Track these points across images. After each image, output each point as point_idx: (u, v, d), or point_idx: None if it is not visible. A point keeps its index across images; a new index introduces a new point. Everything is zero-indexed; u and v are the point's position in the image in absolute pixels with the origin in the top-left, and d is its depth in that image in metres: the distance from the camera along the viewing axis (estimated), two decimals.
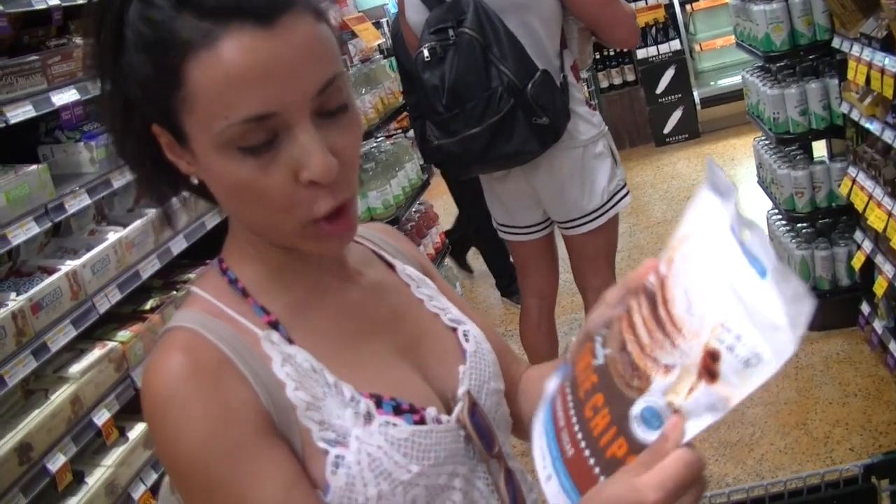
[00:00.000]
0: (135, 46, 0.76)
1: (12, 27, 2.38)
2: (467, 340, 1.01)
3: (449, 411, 0.92)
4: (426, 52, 2.36)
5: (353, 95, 0.84)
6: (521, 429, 1.06)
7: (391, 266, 1.06)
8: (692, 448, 0.64)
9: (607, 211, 2.63)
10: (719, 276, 0.66)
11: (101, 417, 2.29)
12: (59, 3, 2.32)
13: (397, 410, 0.86)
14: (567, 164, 2.54)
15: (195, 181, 0.86)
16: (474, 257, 5.46)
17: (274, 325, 0.87)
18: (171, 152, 0.83)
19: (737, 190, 0.68)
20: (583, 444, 0.72)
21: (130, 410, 2.40)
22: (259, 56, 0.73)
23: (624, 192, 2.67)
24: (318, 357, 0.86)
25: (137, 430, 2.46)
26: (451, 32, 2.33)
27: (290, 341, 0.87)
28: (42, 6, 2.27)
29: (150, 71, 0.76)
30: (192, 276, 2.87)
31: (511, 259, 3.65)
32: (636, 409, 0.67)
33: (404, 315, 1.00)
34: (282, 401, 0.82)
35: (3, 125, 2.11)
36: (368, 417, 0.84)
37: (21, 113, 2.16)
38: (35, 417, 2.11)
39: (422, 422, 0.87)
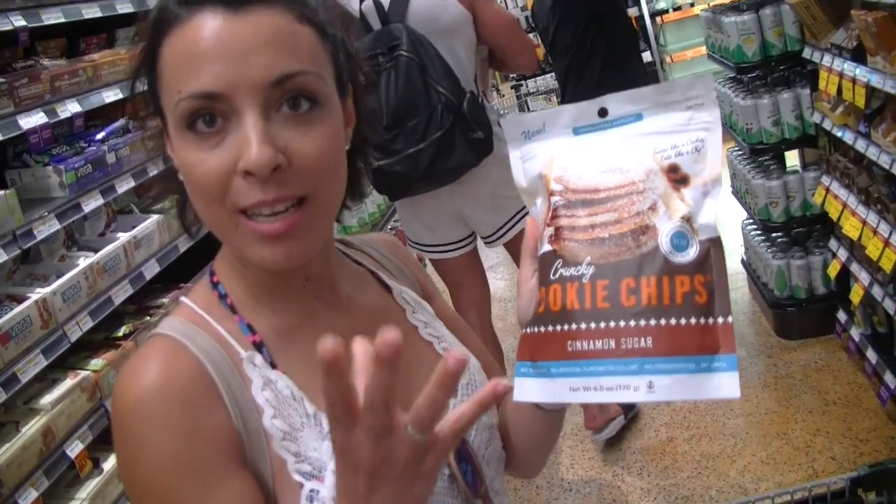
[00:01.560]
0: (141, 33, 0.83)
1: None
2: None
3: None
4: (361, 78, 2.48)
5: (336, 106, 0.83)
6: (513, 464, 1.03)
7: (388, 287, 1.03)
8: None
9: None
10: (611, 142, 0.76)
11: (74, 449, 2.23)
12: (25, 24, 2.27)
13: None
14: (489, 180, 2.69)
15: (181, 178, 0.84)
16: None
17: (258, 347, 0.85)
18: (168, 146, 0.84)
19: (546, 113, 0.79)
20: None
21: (104, 441, 2.35)
22: (217, 36, 0.76)
23: None
24: (299, 385, 0.84)
25: (112, 461, 2.40)
26: (380, 59, 2.48)
27: (274, 365, 0.85)
28: (8, 27, 2.22)
29: (145, 53, 0.82)
30: (165, 300, 2.82)
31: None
32: (664, 242, 0.72)
33: None
34: (255, 427, 0.80)
35: None
36: None
37: None
38: (5, 451, 2.06)
39: None
